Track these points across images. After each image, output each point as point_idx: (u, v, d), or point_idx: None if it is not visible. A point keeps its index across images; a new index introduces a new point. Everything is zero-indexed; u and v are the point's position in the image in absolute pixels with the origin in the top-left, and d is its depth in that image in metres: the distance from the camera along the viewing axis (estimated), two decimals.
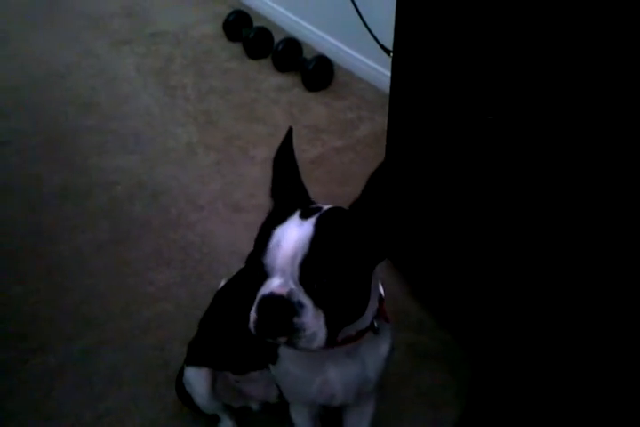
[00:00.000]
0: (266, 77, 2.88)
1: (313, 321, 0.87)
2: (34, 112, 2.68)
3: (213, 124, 2.60)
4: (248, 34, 2.97)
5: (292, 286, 0.87)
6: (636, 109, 0.94)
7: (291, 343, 0.89)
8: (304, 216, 0.90)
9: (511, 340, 1.18)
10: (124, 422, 1.55)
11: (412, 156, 1.56)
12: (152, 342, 1.73)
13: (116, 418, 1.56)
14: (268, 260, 0.88)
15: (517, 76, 1.13)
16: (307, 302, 0.87)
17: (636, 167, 0.97)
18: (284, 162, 1.01)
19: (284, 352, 1.09)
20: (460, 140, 1.34)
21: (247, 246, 2.14)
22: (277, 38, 2.93)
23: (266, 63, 2.97)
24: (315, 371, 1.08)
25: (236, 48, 3.09)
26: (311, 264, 0.86)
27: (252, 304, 0.90)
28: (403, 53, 1.43)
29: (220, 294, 1.40)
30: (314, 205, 0.95)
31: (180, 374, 1.45)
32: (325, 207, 0.94)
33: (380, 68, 2.69)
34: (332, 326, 0.90)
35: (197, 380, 1.40)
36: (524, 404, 1.34)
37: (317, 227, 0.87)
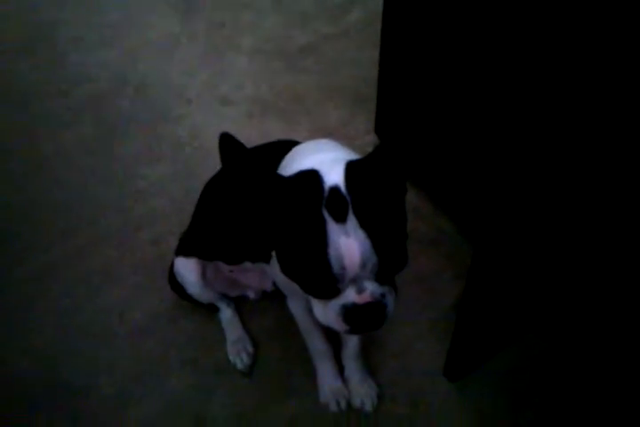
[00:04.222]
0: None
1: (391, 299, 0.90)
2: (7, 8, 2.53)
3: (195, 13, 2.46)
4: None
5: (377, 289, 0.87)
6: None
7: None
8: (340, 219, 0.83)
9: (510, 222, 1.16)
10: (125, 314, 1.56)
11: (408, 40, 1.47)
12: (147, 238, 1.71)
13: (116, 312, 1.56)
14: (337, 282, 0.85)
15: None
16: (386, 291, 0.89)
17: None
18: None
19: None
20: (460, 19, 1.25)
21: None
22: None
23: None
24: None
25: None
26: (383, 267, 0.85)
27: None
28: None
29: (209, 185, 1.36)
30: (327, 189, 0.85)
31: (172, 266, 1.45)
32: (332, 181, 0.85)
33: None
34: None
35: (187, 269, 1.40)
36: (523, 287, 1.33)
37: (368, 229, 0.83)
